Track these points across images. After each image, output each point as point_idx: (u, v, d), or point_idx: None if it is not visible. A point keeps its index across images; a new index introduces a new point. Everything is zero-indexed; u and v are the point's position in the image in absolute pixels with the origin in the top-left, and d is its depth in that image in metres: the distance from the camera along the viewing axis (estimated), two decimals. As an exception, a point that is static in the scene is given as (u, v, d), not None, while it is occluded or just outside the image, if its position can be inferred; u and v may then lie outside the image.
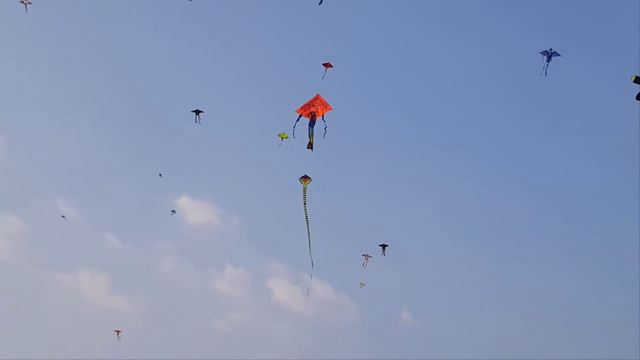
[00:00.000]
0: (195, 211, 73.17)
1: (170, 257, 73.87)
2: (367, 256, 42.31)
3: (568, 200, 76.82)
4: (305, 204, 29.29)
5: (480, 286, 73.02)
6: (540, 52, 36.50)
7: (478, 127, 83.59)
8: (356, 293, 67.52)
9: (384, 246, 41.07)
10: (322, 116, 27.69)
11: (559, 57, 36.01)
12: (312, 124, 27.49)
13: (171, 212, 58.94)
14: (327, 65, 37.55)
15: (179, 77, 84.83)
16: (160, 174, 56.53)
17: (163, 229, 77.19)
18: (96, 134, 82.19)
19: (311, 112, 27.37)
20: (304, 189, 29.24)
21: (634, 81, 26.38)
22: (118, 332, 47.76)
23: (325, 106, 27.25)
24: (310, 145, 27.60)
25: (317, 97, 27.18)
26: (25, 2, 40.48)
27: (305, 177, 29.42)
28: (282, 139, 34.71)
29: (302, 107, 27.50)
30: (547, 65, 36.20)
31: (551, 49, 36.32)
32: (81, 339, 61.11)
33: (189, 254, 75.05)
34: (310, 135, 27.31)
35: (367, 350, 66.28)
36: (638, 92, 27.04)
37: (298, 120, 27.73)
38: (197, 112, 36.81)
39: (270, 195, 76.94)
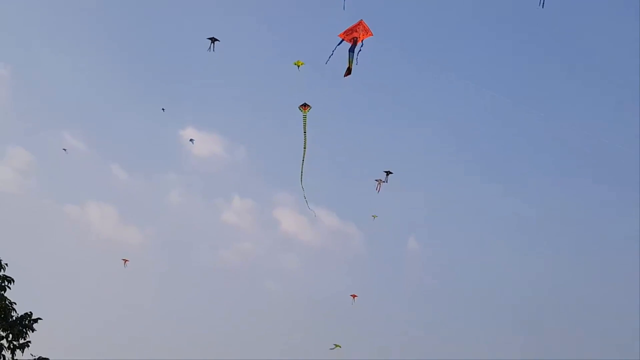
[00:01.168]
0: (201, 143, 72.97)
1: (177, 189, 74.23)
2: (380, 181, 42.04)
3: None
4: (305, 132, 29.05)
5: (486, 213, 73.30)
6: None
7: (483, 48, 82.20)
8: (362, 222, 68.09)
9: (388, 173, 40.65)
10: (362, 41, 27.35)
11: None
12: (352, 49, 27.19)
13: (190, 141, 59.01)
14: None
15: (187, 5, 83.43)
16: (163, 109, 56.20)
17: (169, 161, 77.60)
18: (102, 66, 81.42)
19: (353, 38, 27.08)
20: (304, 117, 29.00)
21: None
22: (125, 260, 48.31)
23: (367, 31, 27.00)
24: (349, 71, 27.33)
25: (360, 23, 26.91)
26: None
27: (304, 105, 29.06)
28: (299, 66, 34.13)
29: (345, 32, 27.23)
30: None
31: None
32: (91, 269, 61.98)
33: (195, 186, 75.44)
34: (350, 61, 27.01)
35: (375, 278, 66.97)
36: None
37: (339, 44, 27.45)
38: (213, 39, 35.95)
39: (276, 125, 76.52)
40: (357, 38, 27.11)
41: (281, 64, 76.54)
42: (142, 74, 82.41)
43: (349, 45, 27.38)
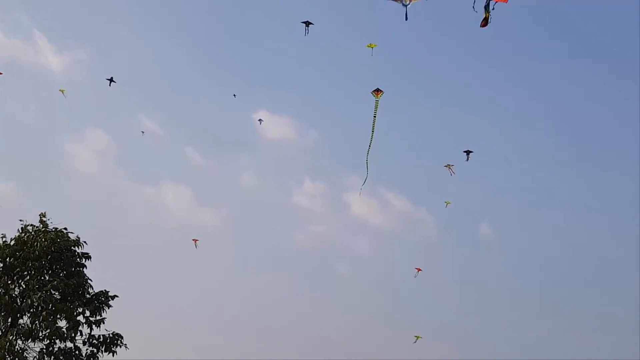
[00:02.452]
0: (273, 125, 73.65)
1: (250, 171, 75.19)
2: (449, 166, 41.61)
3: None
4: (375, 117, 28.90)
5: (563, 198, 71.45)
6: None
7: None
8: (434, 207, 67.51)
9: (468, 152, 39.95)
10: None
11: None
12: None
13: (258, 121, 59.75)
14: None
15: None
16: (234, 95, 56.93)
17: (242, 144, 78.59)
18: (179, 50, 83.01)
19: None
20: (376, 102, 28.82)
21: None
22: (195, 240, 49.24)
23: None
24: (485, 21, 26.46)
25: None
26: None
27: (377, 90, 28.91)
28: (372, 48, 34.00)
29: None
30: None
31: None
32: (165, 249, 63.55)
33: (268, 168, 76.27)
34: (487, 10, 26.14)
35: (446, 264, 66.37)
36: None
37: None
38: (307, 23, 36.04)
39: (348, 109, 76.30)
40: None
41: (355, 46, 76.03)
42: (217, 57, 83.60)
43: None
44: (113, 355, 23.57)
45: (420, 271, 47.48)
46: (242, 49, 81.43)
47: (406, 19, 29.00)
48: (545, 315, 60.00)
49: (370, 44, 33.97)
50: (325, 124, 78.45)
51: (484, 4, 26.04)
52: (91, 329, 23.65)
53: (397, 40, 76.83)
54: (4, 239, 24.10)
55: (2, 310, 22.74)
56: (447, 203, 48.71)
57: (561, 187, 73.44)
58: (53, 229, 24.52)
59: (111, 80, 41.49)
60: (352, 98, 74.54)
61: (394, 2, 28.73)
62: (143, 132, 63.12)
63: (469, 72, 79.58)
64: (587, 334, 58.93)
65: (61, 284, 23.18)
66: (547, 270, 64.32)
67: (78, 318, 23.46)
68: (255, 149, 76.80)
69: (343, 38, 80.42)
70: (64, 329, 22.89)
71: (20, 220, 24.60)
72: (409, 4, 28.42)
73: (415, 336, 45.41)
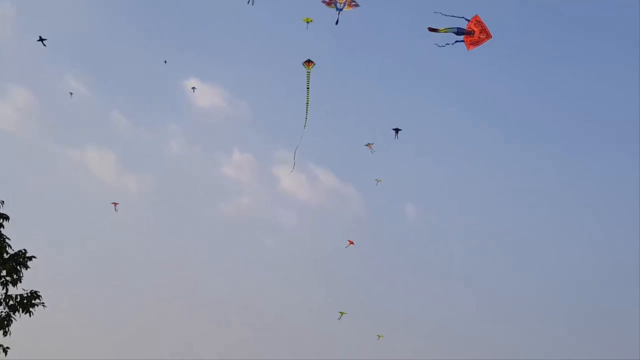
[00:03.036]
0: (203, 94, 72.75)
1: (178, 139, 74.31)
2: (370, 145, 42.07)
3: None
4: (308, 88, 28.99)
5: (487, 180, 73.35)
6: None
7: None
8: (361, 184, 68.38)
9: (397, 130, 40.11)
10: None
11: None
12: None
13: (192, 89, 59.15)
14: None
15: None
16: (165, 61, 56.31)
17: (172, 111, 77.45)
18: (109, 12, 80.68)
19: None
20: (308, 73, 28.90)
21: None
22: (115, 204, 48.49)
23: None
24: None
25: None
26: None
27: (308, 62, 28.96)
28: (308, 23, 33.83)
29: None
30: None
31: None
32: (86, 211, 62.42)
33: (196, 137, 75.51)
34: (444, 30, 26.75)
35: (372, 240, 67.40)
36: None
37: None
38: None
39: (281, 82, 76.21)
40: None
41: (290, 20, 75.60)
42: (149, 21, 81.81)
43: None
44: (30, 316, 23.16)
45: (352, 244, 48.26)
46: (177, 16, 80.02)
47: (336, 23, 29.81)
48: (464, 289, 61.94)
49: (306, 18, 33.94)
50: (257, 96, 78.21)
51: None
52: (6, 289, 23.19)
53: (333, 16, 76.70)
54: None
55: None
56: (378, 181, 49.50)
57: (487, 171, 75.23)
58: (-31, 186, 23.80)
59: (42, 40, 40.00)
60: (286, 71, 74.43)
61: (328, 7, 29.38)
62: (72, 93, 61.48)
63: (405, 46, 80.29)
64: (501, 310, 60.99)
65: (-24, 243, 22.53)
66: (468, 247, 66.16)
67: (-6, 278, 22.90)
68: (184, 117, 75.90)
69: (280, 10, 79.96)
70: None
71: None
72: (342, 9, 29.11)
73: (340, 312, 46.21)
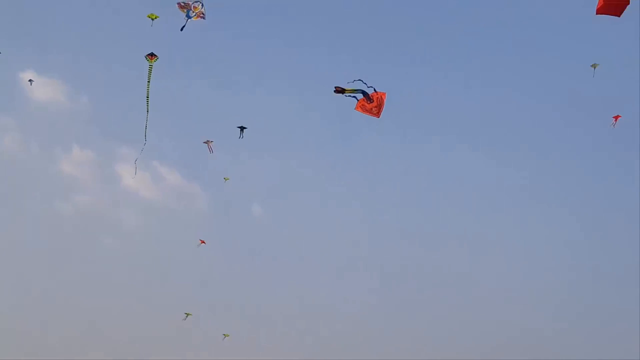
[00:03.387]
0: (41, 88, 68.96)
1: (12, 134, 69.87)
2: (209, 142, 41.92)
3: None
4: (148, 82, 28.58)
5: (333, 179, 75.01)
6: None
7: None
8: (207, 183, 67.82)
9: (242, 128, 40.05)
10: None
11: None
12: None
13: (29, 82, 55.92)
14: None
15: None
16: None
17: (5, 104, 72.68)
18: None
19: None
20: (150, 67, 28.45)
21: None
22: None
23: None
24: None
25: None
26: None
27: (151, 55, 28.56)
28: (152, 19, 33.06)
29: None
30: None
31: None
32: None
33: (33, 132, 71.33)
34: (350, 90, 26.94)
35: (217, 240, 66.89)
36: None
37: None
38: None
39: (124, 78, 73.63)
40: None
41: (135, 15, 73.34)
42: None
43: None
44: None
45: (204, 243, 47.81)
46: (11, 6, 75.36)
47: (181, 29, 30.28)
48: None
49: (151, 14, 33.27)
50: (99, 91, 74.86)
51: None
52: None
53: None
54: None
55: None
56: (226, 179, 49.37)
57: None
58: None
59: None
60: (130, 66, 72.01)
61: (180, 10, 29.73)
62: None
63: (248, 52, 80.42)
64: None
65: None
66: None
67: None
68: (19, 111, 71.43)
69: (124, 4, 77.49)
70: None
71: None
72: (191, 17, 29.68)
73: (186, 313, 45.72)
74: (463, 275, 63.11)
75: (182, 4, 31.42)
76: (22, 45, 72.11)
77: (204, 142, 41.87)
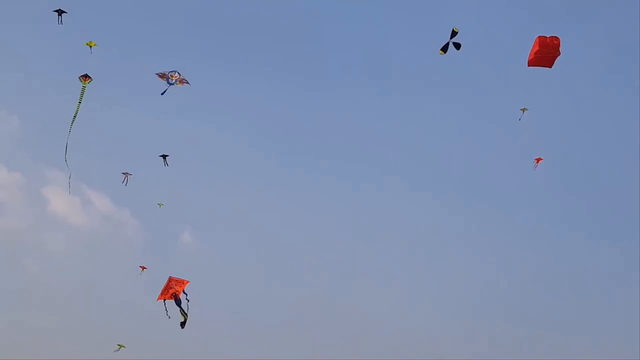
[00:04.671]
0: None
1: None
2: (126, 174, 42.24)
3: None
4: (80, 102, 28.68)
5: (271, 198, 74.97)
6: None
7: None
8: (137, 209, 66.95)
9: (164, 156, 40.24)
10: (184, 291, 28.70)
11: None
12: (178, 303, 28.47)
13: None
14: None
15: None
16: None
17: None
18: None
19: (173, 294, 28.21)
20: (83, 88, 28.51)
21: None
22: None
23: (182, 282, 28.29)
24: (184, 323, 28.65)
25: (170, 279, 28.08)
26: None
27: (85, 76, 28.65)
28: (91, 47, 33.09)
29: (161, 294, 28.35)
30: None
31: None
32: None
33: (-44, 151, 69.35)
34: (183, 314, 28.35)
35: (149, 266, 65.87)
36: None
37: (165, 304, 28.66)
38: (60, 12, 33.26)
39: (57, 100, 72.49)
40: (176, 293, 28.00)
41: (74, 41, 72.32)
42: None
43: (173, 300, 28.16)
44: None
45: (145, 269, 47.25)
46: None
47: (162, 93, 31.43)
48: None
49: (89, 42, 33.29)
50: (29, 112, 73.52)
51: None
52: None
53: (114, 36, 74.93)
54: None
55: None
56: (160, 205, 49.23)
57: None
58: None
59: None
60: (63, 89, 70.92)
61: (161, 79, 31.01)
62: None
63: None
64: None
65: None
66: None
67: None
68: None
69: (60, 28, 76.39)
70: None
71: None
72: (173, 83, 31.02)
73: (118, 345, 44.81)
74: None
75: (160, 75, 32.92)
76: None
77: (122, 173, 42.16)
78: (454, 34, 28.91)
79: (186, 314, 27.86)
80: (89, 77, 28.38)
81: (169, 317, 28.35)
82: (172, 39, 79.03)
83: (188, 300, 28.22)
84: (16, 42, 74.40)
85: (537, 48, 27.46)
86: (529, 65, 28.19)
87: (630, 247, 63.33)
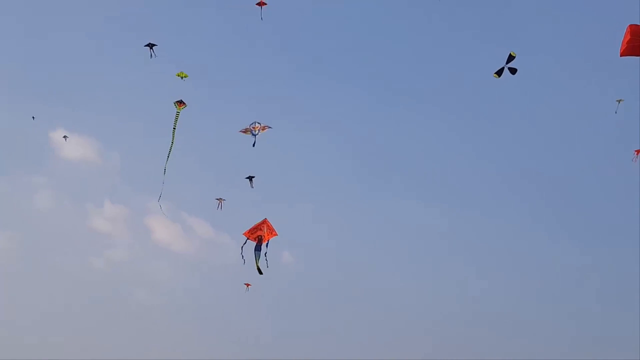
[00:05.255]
0: (72, 145, 70.25)
1: (44, 192, 71.04)
2: (220, 199, 42.80)
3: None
4: (174, 128, 29.22)
5: (367, 225, 74.30)
6: None
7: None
8: (236, 233, 67.78)
9: (250, 178, 40.39)
10: (267, 242, 29.00)
11: None
12: (258, 247, 28.77)
13: (64, 138, 57.02)
14: (261, 3, 36.89)
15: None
16: (33, 117, 54.49)
17: (37, 163, 74.15)
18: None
19: (258, 236, 28.47)
20: (177, 114, 29.03)
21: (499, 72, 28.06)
22: None
23: (272, 231, 28.46)
24: (259, 271, 28.97)
25: (264, 222, 28.25)
26: None
27: (180, 102, 29.17)
28: (182, 78, 33.67)
29: (249, 231, 28.57)
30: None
31: None
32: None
33: (64, 190, 72.50)
34: (257, 259, 28.64)
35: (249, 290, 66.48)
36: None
37: (245, 243, 28.74)
38: (151, 45, 34.62)
39: (152, 132, 74.86)
40: (262, 237, 28.01)
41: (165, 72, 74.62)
42: (12, 70, 78.58)
43: (254, 244, 28.30)
44: None
45: (249, 286, 47.88)
46: (39, 63, 77.53)
47: (253, 145, 33.82)
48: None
49: (181, 72, 33.78)
50: (128, 146, 76.05)
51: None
52: None
53: (205, 69, 76.75)
54: None
55: None
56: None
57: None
58: None
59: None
60: (159, 122, 73.15)
61: (244, 134, 32.13)
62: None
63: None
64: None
65: None
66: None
67: None
68: (51, 169, 72.81)
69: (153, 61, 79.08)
70: None
71: None
72: (257, 134, 31.88)
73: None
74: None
75: (244, 130, 34.30)
76: (52, 104, 74.06)
77: (216, 199, 42.82)
78: (510, 58, 28.67)
79: (259, 265, 27.60)
80: (184, 102, 28.94)
81: (244, 262, 28.12)
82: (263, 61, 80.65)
83: (266, 254, 27.91)
84: (111, 76, 77.98)
85: (628, 37, 26.03)
86: (621, 56, 26.80)
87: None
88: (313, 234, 72.13)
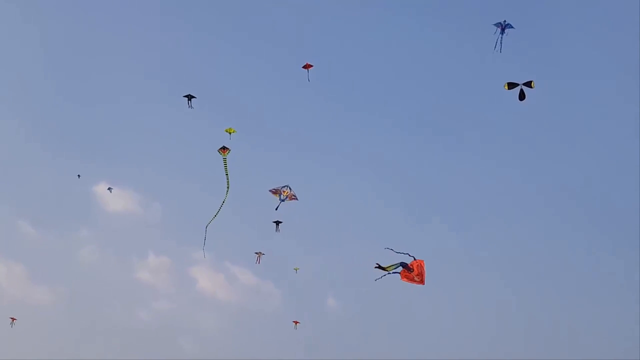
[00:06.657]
0: (114, 198, 71.38)
1: (90, 246, 72.05)
2: (259, 253, 43.20)
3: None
4: (227, 174, 29.60)
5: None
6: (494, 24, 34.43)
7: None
8: (279, 280, 67.56)
9: (277, 223, 40.85)
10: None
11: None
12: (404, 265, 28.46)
13: (108, 190, 58.00)
14: (307, 66, 38.25)
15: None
16: (79, 175, 55.63)
17: (81, 217, 75.29)
18: (11, 118, 79.17)
19: (411, 276, 28.26)
20: (224, 160, 29.32)
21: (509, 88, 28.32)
22: (13, 319, 45.84)
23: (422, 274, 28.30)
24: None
25: (420, 265, 27.96)
26: None
27: (223, 148, 29.49)
28: (230, 134, 34.07)
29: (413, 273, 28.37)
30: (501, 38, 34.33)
31: (505, 21, 34.15)
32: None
33: (109, 243, 73.31)
34: (390, 267, 28.41)
35: (293, 337, 65.88)
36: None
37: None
38: (190, 97, 35.53)
39: (192, 181, 75.73)
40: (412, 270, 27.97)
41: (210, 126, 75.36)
42: (55, 127, 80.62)
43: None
44: None
45: (298, 323, 48.04)
46: (79, 118, 79.46)
47: (276, 209, 35.23)
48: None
49: (229, 128, 34.28)
50: (169, 197, 76.91)
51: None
52: None
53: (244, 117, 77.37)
54: None
55: None
56: (296, 269, 49.63)
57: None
58: None
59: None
60: (200, 172, 74.06)
61: (274, 195, 33.49)
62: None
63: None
64: None
65: None
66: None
67: None
68: (95, 222, 73.91)
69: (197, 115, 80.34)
70: None
71: None
72: (284, 200, 32.88)
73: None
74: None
75: (274, 191, 35.25)
76: (94, 160, 75.49)
77: (255, 253, 43.25)
78: (528, 84, 29.30)
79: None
80: (227, 148, 29.25)
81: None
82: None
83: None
84: (149, 126, 79.63)
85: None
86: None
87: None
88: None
